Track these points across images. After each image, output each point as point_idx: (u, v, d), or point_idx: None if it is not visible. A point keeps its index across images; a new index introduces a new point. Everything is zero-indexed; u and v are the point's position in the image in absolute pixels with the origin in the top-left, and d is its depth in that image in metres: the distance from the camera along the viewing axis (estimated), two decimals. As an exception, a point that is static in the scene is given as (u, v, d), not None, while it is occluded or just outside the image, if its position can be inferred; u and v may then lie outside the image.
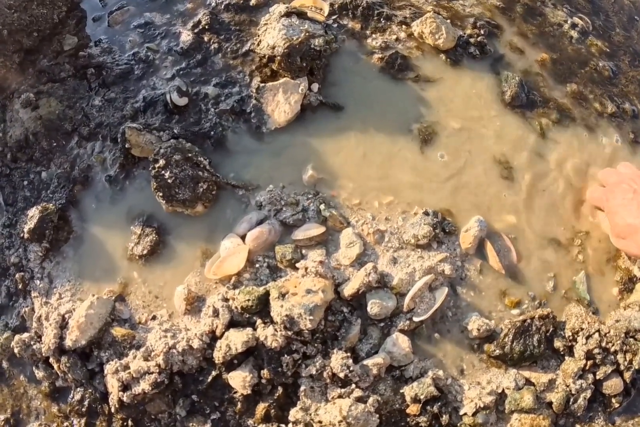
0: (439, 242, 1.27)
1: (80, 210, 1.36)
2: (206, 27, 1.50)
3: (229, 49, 1.47)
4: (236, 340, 1.12)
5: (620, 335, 1.21)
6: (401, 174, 1.34)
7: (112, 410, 1.17)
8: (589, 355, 1.20)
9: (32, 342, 1.24)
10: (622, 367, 1.21)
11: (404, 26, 1.51)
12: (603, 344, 1.20)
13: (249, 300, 1.15)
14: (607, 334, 1.21)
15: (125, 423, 1.18)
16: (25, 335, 1.25)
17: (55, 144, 1.43)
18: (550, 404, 1.18)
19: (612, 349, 1.20)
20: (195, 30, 1.50)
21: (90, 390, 1.20)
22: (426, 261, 1.24)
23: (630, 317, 1.24)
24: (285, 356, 1.13)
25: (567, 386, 1.19)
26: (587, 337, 1.21)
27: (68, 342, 1.18)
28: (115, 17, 1.59)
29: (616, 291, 1.32)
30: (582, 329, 1.22)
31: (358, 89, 1.42)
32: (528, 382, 1.21)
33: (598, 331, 1.21)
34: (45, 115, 1.45)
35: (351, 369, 1.12)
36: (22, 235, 1.32)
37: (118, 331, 1.20)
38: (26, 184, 1.40)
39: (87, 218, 1.35)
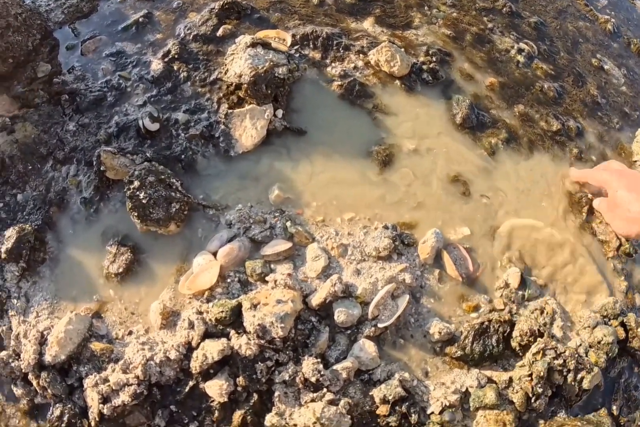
0: (398, 253, 1.35)
1: (56, 231, 1.39)
2: (175, 56, 1.57)
3: (197, 78, 1.54)
4: (212, 349, 1.18)
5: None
6: (361, 192, 1.42)
7: (92, 424, 1.19)
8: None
9: (10, 360, 1.26)
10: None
11: (361, 55, 1.61)
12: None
13: (222, 312, 1.21)
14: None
15: (105, 437, 1.21)
16: (3, 353, 1.27)
17: (30, 167, 1.46)
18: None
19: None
20: (165, 59, 1.57)
21: (69, 405, 1.22)
22: (387, 271, 1.31)
23: None
24: (259, 363, 1.19)
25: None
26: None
27: (48, 358, 1.21)
28: (88, 46, 1.64)
29: None
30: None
31: (319, 114, 1.50)
32: (490, 380, 1.28)
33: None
34: (21, 139, 1.48)
35: (322, 373, 1.19)
36: (-2, 255, 1.34)
37: (97, 346, 1.24)
38: (2, 206, 1.43)
39: (63, 239, 1.39)
